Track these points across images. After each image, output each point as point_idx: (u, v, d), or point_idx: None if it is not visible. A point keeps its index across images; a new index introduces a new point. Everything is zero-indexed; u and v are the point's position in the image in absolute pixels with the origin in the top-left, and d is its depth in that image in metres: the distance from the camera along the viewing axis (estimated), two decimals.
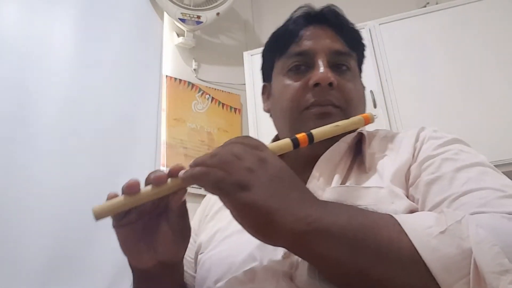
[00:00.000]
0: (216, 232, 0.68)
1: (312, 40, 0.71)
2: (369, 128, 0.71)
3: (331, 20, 0.73)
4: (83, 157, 1.52)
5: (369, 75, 1.53)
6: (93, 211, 0.49)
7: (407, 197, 0.58)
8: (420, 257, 0.40)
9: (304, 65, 0.70)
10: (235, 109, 2.10)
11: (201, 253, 0.68)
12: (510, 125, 1.47)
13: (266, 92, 0.80)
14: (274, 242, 0.46)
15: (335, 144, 0.66)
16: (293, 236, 0.43)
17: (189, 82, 2.03)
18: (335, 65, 0.70)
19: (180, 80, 2.01)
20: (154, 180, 0.50)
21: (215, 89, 2.09)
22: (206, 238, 0.69)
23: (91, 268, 1.40)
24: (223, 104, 2.08)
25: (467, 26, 1.66)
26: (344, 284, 0.45)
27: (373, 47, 1.70)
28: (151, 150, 1.77)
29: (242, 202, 0.44)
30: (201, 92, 2.04)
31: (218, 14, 2.02)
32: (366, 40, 0.79)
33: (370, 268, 0.42)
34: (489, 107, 1.52)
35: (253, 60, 1.90)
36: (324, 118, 0.66)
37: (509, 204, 0.46)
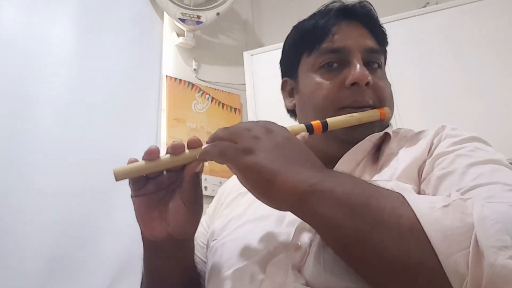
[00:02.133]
0: (230, 220, 0.69)
1: (346, 37, 0.69)
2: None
3: (363, 16, 0.72)
4: (83, 157, 1.52)
5: None
6: (114, 171, 0.52)
7: (419, 192, 0.58)
8: (421, 226, 0.40)
9: (337, 62, 0.69)
10: (235, 109, 2.10)
11: (214, 240, 0.69)
12: (511, 125, 1.47)
13: (288, 88, 0.78)
14: (277, 204, 0.48)
15: (360, 142, 0.66)
16: (295, 197, 0.45)
17: (189, 82, 2.03)
18: (367, 63, 0.69)
19: (180, 80, 2.01)
20: (172, 148, 0.53)
21: (215, 89, 2.09)
22: (220, 226, 0.70)
23: (91, 268, 1.40)
24: (223, 104, 2.08)
25: (467, 26, 1.66)
26: (342, 251, 0.45)
27: None
28: None
29: (245, 164, 0.47)
30: (201, 92, 2.04)
31: (218, 14, 2.02)
32: (387, 51, 0.79)
33: (368, 233, 0.41)
34: (489, 107, 1.53)
35: (253, 60, 1.90)
36: None
37: None
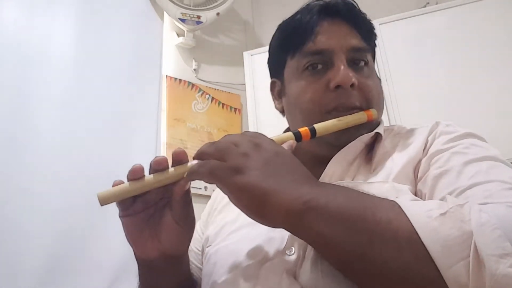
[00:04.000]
0: (224, 226, 0.68)
1: (329, 37, 0.67)
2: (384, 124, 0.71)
3: (346, 14, 0.69)
4: (83, 157, 1.52)
5: None
6: (98, 196, 0.50)
7: (415, 192, 0.57)
8: (419, 237, 0.39)
9: (321, 64, 0.67)
10: (235, 109, 2.10)
11: (208, 246, 0.68)
12: (511, 124, 1.47)
13: (276, 89, 0.77)
14: (272, 223, 0.46)
15: (352, 142, 0.64)
16: (289, 216, 0.43)
17: (189, 82, 2.03)
18: (353, 62, 0.67)
19: (180, 80, 2.01)
20: (156, 163, 0.52)
21: (215, 89, 2.09)
22: (214, 231, 0.69)
23: (91, 268, 1.40)
24: (223, 104, 2.07)
25: (467, 26, 1.66)
26: (341, 266, 0.44)
27: None
28: (151, 150, 1.77)
29: (236, 185, 0.45)
30: (201, 92, 2.04)
31: (218, 14, 2.02)
32: (376, 45, 0.77)
33: (366, 248, 0.40)
34: (489, 107, 1.52)
35: (253, 60, 1.90)
36: None
37: None
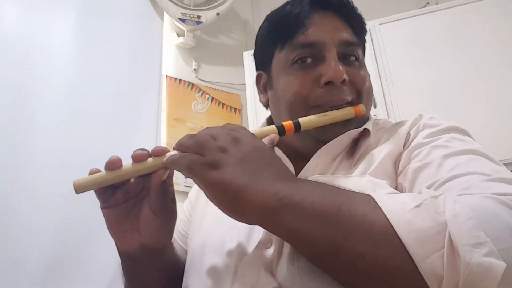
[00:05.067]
0: (207, 212, 0.67)
1: (319, 30, 0.65)
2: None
3: (338, 6, 0.67)
4: (83, 157, 1.52)
5: None
6: (74, 184, 0.50)
7: (396, 186, 0.57)
8: (394, 230, 0.39)
9: (311, 57, 0.64)
10: (235, 109, 2.10)
11: (192, 231, 0.68)
12: (510, 124, 1.47)
13: (262, 81, 0.74)
14: (246, 219, 0.46)
15: (338, 137, 0.63)
16: (264, 212, 0.43)
17: (189, 82, 2.03)
18: (343, 57, 0.65)
19: (180, 80, 2.01)
20: (134, 157, 0.52)
21: (215, 89, 2.09)
22: (199, 215, 0.69)
23: (91, 268, 1.40)
24: (223, 104, 2.07)
25: (467, 26, 1.66)
26: (318, 261, 0.44)
27: (373, 47, 1.69)
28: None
29: (211, 181, 0.45)
30: (201, 92, 2.04)
31: (218, 14, 2.02)
32: (366, 40, 0.75)
33: (342, 243, 0.40)
34: (490, 107, 1.52)
35: (252, 53, 1.89)
36: None
37: (493, 187, 0.44)
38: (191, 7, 2.00)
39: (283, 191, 0.43)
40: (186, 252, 0.69)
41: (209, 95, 2.05)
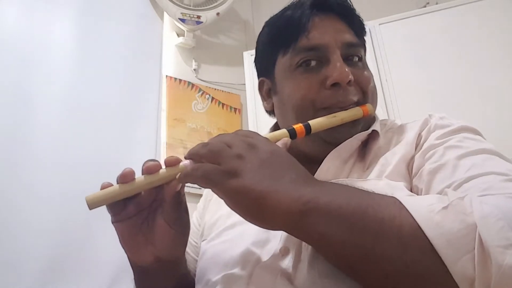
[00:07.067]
0: (218, 219, 0.67)
1: (322, 32, 0.65)
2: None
3: (338, 9, 0.67)
4: (83, 157, 1.52)
5: None
6: (87, 199, 0.48)
7: (411, 188, 0.57)
8: (423, 233, 0.38)
9: (315, 60, 0.64)
10: (235, 109, 2.10)
11: (203, 240, 0.67)
12: (511, 124, 1.47)
13: (265, 88, 0.74)
14: (271, 225, 0.45)
15: (347, 140, 0.63)
16: (289, 218, 0.42)
17: (189, 82, 2.03)
18: (347, 58, 0.65)
19: (180, 80, 2.01)
20: (147, 169, 0.50)
21: (215, 89, 2.09)
22: (209, 223, 0.68)
23: (91, 268, 1.40)
24: (223, 104, 2.07)
25: (467, 26, 1.66)
26: (345, 266, 0.44)
27: (373, 47, 1.69)
28: (151, 150, 1.77)
29: (232, 189, 0.44)
30: (201, 92, 2.04)
31: (218, 14, 2.02)
32: (366, 40, 0.75)
33: (370, 247, 0.39)
34: (489, 107, 1.52)
35: (253, 60, 1.89)
36: None
37: None
38: (191, 7, 2.00)
39: (308, 195, 0.42)
40: (196, 262, 0.69)
41: (209, 95, 2.05)
